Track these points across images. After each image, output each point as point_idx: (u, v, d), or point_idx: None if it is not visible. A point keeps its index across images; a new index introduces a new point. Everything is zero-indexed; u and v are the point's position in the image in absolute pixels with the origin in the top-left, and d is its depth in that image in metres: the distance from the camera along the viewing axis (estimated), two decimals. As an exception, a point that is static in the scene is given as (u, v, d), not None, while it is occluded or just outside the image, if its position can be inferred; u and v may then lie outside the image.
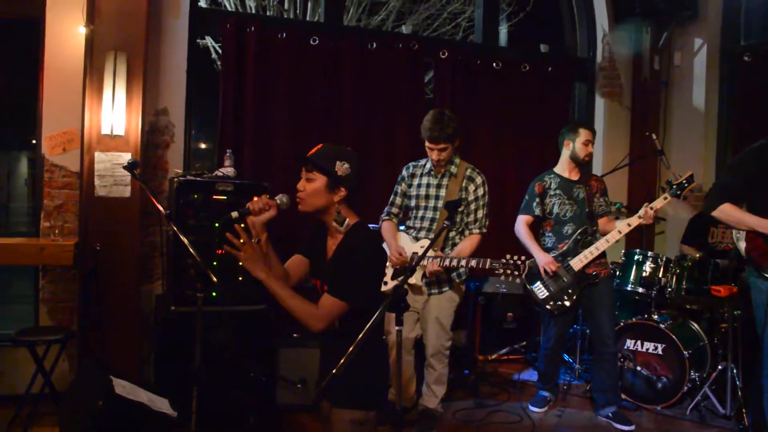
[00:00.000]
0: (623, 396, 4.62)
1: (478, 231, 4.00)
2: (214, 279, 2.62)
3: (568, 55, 6.41)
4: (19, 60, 5.28)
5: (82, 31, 4.54)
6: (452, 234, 4.02)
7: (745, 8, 6.01)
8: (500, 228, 5.33)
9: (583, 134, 4.37)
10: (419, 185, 4.10)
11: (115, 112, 4.58)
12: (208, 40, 6.80)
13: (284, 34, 5.25)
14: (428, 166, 4.09)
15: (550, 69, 6.04)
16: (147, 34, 4.72)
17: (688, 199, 5.92)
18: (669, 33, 6.15)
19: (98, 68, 4.55)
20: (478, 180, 4.04)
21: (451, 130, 3.87)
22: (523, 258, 3.68)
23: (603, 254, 4.34)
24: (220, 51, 5.33)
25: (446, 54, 5.70)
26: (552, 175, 4.48)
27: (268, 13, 7.40)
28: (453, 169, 4.04)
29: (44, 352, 4.16)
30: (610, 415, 4.30)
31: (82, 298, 4.67)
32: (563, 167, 4.48)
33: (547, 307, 4.34)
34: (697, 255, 4.91)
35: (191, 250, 2.81)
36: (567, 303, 4.29)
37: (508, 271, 3.65)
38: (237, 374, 3.89)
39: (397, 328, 2.30)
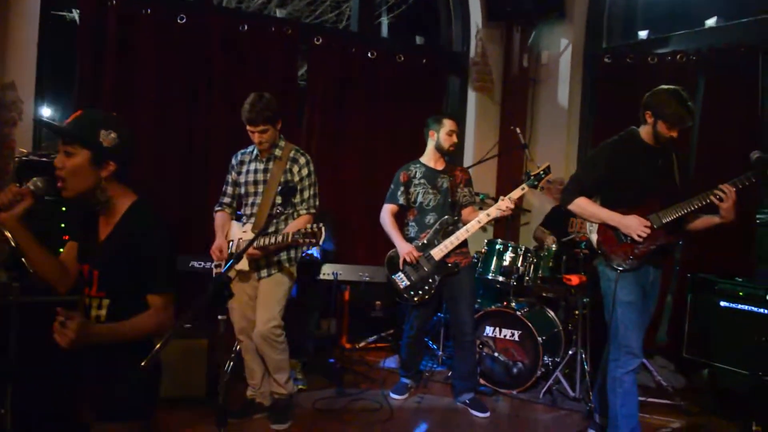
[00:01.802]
0: (482, 381, 4.60)
1: (306, 211, 3.78)
2: (29, 267, 2.27)
3: (444, 49, 6.35)
4: None
5: None
6: (282, 218, 3.77)
7: (608, 11, 6.14)
8: (374, 221, 5.17)
9: (447, 124, 4.28)
10: (248, 171, 3.85)
11: (-49, 84, 4.07)
12: (76, 14, 6.28)
13: (149, 11, 4.86)
14: (255, 152, 3.85)
15: (425, 61, 5.95)
16: (-10, 2, 4.23)
17: (552, 192, 6.01)
18: (537, 32, 6.20)
19: (-70, 35, 4.03)
20: (302, 160, 3.81)
21: (270, 112, 3.66)
22: (320, 224, 3.44)
23: (464, 244, 4.27)
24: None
25: (321, 41, 5.48)
26: (417, 165, 4.37)
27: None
28: (277, 152, 3.81)
29: None
30: (467, 401, 4.25)
31: None
32: (428, 157, 4.37)
33: (407, 296, 4.23)
34: (551, 240, 4.95)
35: (6, 233, 2.43)
36: (427, 292, 4.19)
37: (308, 240, 3.41)
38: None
39: (220, 317, 2.05)
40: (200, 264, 4.59)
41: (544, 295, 5.05)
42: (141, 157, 4.82)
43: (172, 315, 2.06)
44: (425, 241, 4.22)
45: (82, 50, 4.69)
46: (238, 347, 3.98)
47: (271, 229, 3.75)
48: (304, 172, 3.79)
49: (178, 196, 4.99)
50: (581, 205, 3.53)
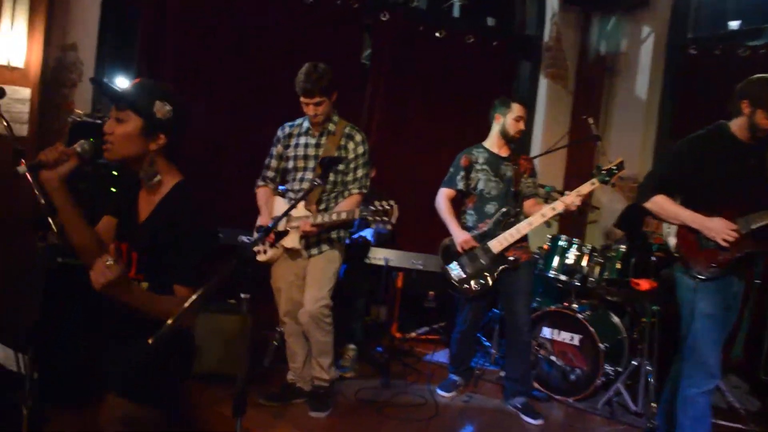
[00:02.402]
0: (536, 385, 4.28)
1: (357, 191, 3.57)
2: (54, 228, 2.11)
3: (516, 32, 5.99)
4: None
5: (-21, -55, 3.94)
6: (332, 195, 3.58)
7: (696, 0, 5.66)
8: (434, 207, 4.92)
9: (515, 109, 3.95)
10: (297, 145, 3.63)
11: (14, 43, 4.02)
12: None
13: (213, -22, 4.70)
14: (305, 125, 3.63)
15: (495, 43, 5.63)
16: (56, -39, 4.15)
17: (623, 189, 5.60)
18: (617, 19, 5.76)
19: (-4, -8, 3.95)
20: (358, 137, 3.60)
21: (326, 82, 3.44)
22: (392, 202, 3.23)
23: (525, 238, 3.95)
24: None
25: (387, 16, 5.22)
26: (480, 150, 4.06)
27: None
28: (331, 126, 3.58)
29: None
30: (518, 406, 3.94)
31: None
32: (492, 142, 4.06)
33: (461, 288, 3.94)
34: (621, 237, 4.58)
35: (37, 192, 2.28)
36: (483, 286, 3.89)
37: (378, 218, 3.24)
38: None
39: (243, 295, 1.84)
40: (249, 239, 4.41)
41: (609, 298, 4.67)
42: (196, 129, 4.70)
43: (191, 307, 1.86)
44: (484, 231, 3.92)
45: (145, 17, 4.58)
46: (282, 328, 3.80)
47: (322, 206, 3.54)
48: (360, 150, 3.58)
49: (231, 168, 4.85)
50: (659, 203, 3.15)
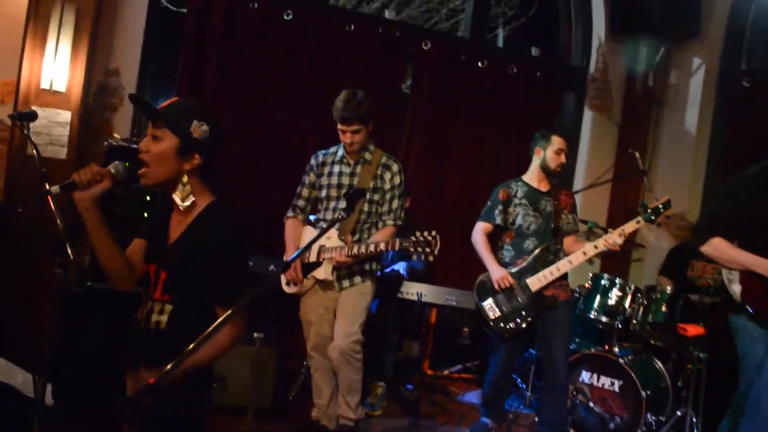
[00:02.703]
0: (573, 432, 4.07)
1: (392, 222, 3.48)
2: (70, 254, 2.06)
3: (561, 62, 5.85)
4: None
5: (28, -27, 4.02)
6: (366, 226, 3.50)
7: (750, 31, 5.44)
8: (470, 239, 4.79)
9: (555, 142, 3.81)
10: (330, 174, 3.55)
11: (58, 67, 4.08)
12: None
13: (256, 5, 4.70)
14: (340, 153, 3.55)
15: (539, 74, 5.49)
16: (100, -13, 4.21)
17: (670, 227, 5.37)
18: (667, 49, 5.57)
19: (44, 17, 4.05)
20: (395, 168, 3.52)
21: (364, 110, 3.38)
22: (434, 233, 3.14)
23: (565, 276, 3.78)
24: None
25: (429, 45, 5.15)
26: (519, 183, 3.92)
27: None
28: (367, 156, 3.51)
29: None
30: (553, 452, 3.74)
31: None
32: (532, 176, 3.92)
33: (496, 327, 3.77)
34: (669, 288, 4.35)
35: (53, 209, 2.24)
36: (520, 326, 3.72)
37: (419, 249, 3.16)
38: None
39: (256, 335, 1.74)
40: (272, 268, 4.34)
41: (652, 343, 4.42)
42: (235, 152, 4.70)
43: (243, 327, 1.84)
44: (522, 268, 3.76)
45: (187, 41, 4.61)
46: (308, 363, 3.71)
47: (356, 237, 3.45)
48: (396, 180, 3.50)
49: (267, 194, 4.81)
50: (718, 247, 2.91)
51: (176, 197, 1.89)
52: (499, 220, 3.88)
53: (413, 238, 3.16)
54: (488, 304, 3.81)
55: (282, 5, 4.79)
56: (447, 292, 4.60)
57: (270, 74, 4.82)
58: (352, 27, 4.95)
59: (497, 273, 3.76)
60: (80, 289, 3.70)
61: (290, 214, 3.64)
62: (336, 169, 3.54)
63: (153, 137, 1.86)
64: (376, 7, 7.27)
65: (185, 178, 1.88)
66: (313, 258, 3.46)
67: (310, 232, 3.59)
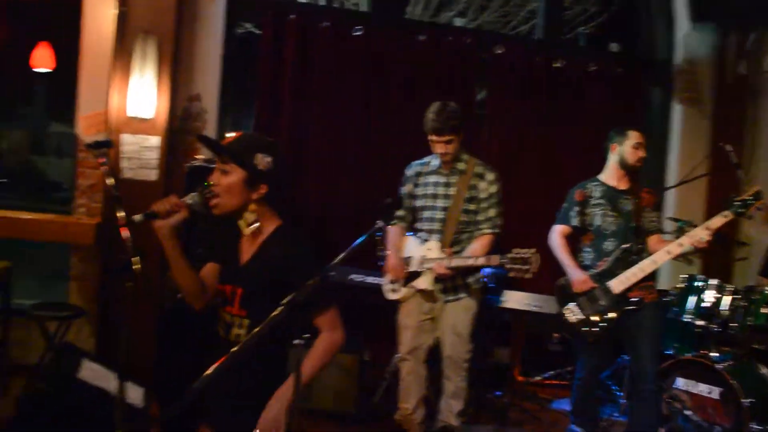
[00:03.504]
0: (670, 441, 3.86)
1: (490, 231, 3.53)
2: (136, 267, 2.24)
3: (642, 57, 5.61)
4: (62, 41, 5.19)
5: (114, 12, 4.34)
6: (464, 236, 3.56)
7: None
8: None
9: (632, 136, 3.67)
10: (426, 184, 3.65)
11: (144, 96, 4.34)
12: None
13: (327, 24, 4.85)
14: (434, 163, 3.63)
15: (620, 70, 5.30)
16: (179, 19, 4.48)
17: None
18: (757, 35, 5.23)
19: (128, 50, 4.33)
20: (490, 176, 3.57)
21: (456, 121, 3.45)
22: (533, 250, 3.20)
23: (650, 277, 3.62)
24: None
25: (502, 50, 5.09)
26: (596, 183, 3.80)
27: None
28: (461, 165, 3.57)
29: (57, 327, 4.01)
30: (644, 462, 3.57)
31: (102, 278, 4.49)
32: (610, 174, 3.79)
33: (581, 332, 3.66)
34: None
35: (122, 231, 2.42)
36: (603, 329, 3.59)
37: (516, 266, 3.22)
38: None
39: (296, 341, 1.80)
40: (360, 277, 4.43)
41: (755, 347, 4.14)
42: (313, 167, 4.87)
43: (342, 327, 2.08)
44: (603, 270, 3.64)
45: (263, 63, 4.82)
46: (397, 367, 3.83)
47: (456, 247, 3.52)
48: (492, 189, 3.55)
49: (345, 206, 4.91)
50: None
51: (241, 224, 2.07)
52: (576, 222, 3.78)
53: (510, 255, 3.21)
54: (569, 308, 3.70)
55: (352, 21, 4.91)
56: (530, 298, 4.52)
57: (344, 90, 4.93)
58: (423, 37, 4.99)
59: (577, 276, 3.67)
60: (172, 304, 3.96)
61: (391, 222, 3.73)
62: (431, 179, 3.63)
63: (222, 171, 2.04)
64: (452, 15, 7.28)
65: (252, 206, 2.06)
66: (414, 268, 3.56)
67: (413, 242, 3.67)
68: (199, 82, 4.71)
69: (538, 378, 5.01)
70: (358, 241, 1.98)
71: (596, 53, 5.45)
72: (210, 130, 4.74)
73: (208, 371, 1.65)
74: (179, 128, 4.68)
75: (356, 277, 4.42)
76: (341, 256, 1.94)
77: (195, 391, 1.62)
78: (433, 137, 3.49)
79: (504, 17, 7.64)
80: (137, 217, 2.00)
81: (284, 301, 1.74)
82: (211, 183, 2.05)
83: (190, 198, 2.04)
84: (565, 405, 4.53)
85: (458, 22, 5.93)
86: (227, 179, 2.03)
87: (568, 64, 5.21)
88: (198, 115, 4.72)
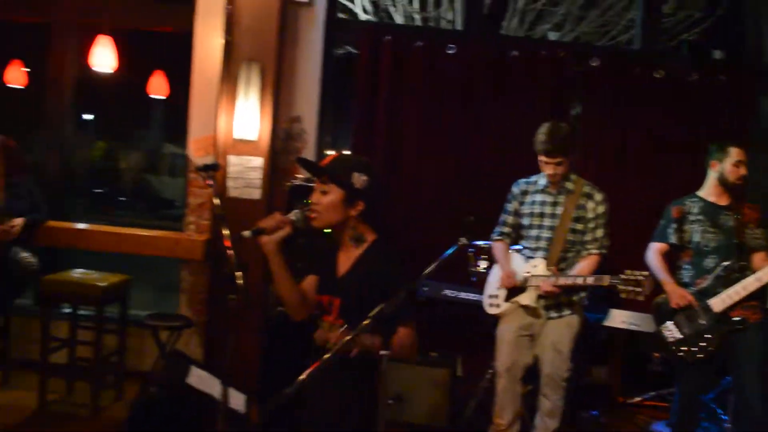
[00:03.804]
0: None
1: (597, 251, 3.56)
2: (240, 282, 2.45)
3: (749, 64, 5.38)
4: (175, 70, 5.63)
5: (221, 42, 4.68)
6: (570, 254, 3.60)
7: None
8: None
9: (733, 154, 3.59)
10: (533, 203, 3.70)
11: (248, 119, 4.65)
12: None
13: (420, 43, 5.00)
14: (541, 182, 3.68)
15: (725, 78, 5.10)
16: (281, 45, 4.76)
17: None
18: None
19: (233, 77, 4.66)
20: (598, 197, 3.59)
21: (567, 143, 3.51)
22: (646, 273, 3.23)
23: (756, 296, 3.50)
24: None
25: (597, 62, 5.04)
26: (695, 199, 3.73)
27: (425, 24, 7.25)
28: (569, 185, 3.61)
29: (168, 336, 4.37)
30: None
31: (209, 291, 4.83)
32: (709, 191, 3.71)
33: (679, 351, 3.59)
34: None
35: (227, 243, 2.66)
36: (703, 350, 3.51)
37: (629, 288, 3.23)
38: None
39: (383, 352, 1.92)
40: (454, 292, 4.52)
41: None
42: (407, 184, 5.01)
43: (416, 341, 2.18)
44: (703, 288, 3.56)
45: (360, 83, 5.03)
46: (489, 382, 3.90)
47: (561, 265, 3.58)
48: (600, 209, 3.59)
49: (437, 221, 5.00)
50: None
51: (348, 238, 2.24)
52: (673, 239, 3.72)
53: (623, 276, 3.24)
54: (667, 326, 3.65)
55: (445, 40, 5.03)
56: (627, 316, 4.45)
57: (438, 108, 5.03)
58: (516, 53, 5.04)
59: (676, 294, 3.60)
60: (273, 315, 4.22)
61: (496, 237, 3.86)
62: (538, 198, 3.70)
63: (321, 192, 2.21)
64: (548, 27, 7.25)
65: (351, 222, 2.21)
66: (518, 283, 3.63)
67: (518, 259, 3.76)
68: (299, 104, 4.99)
69: (637, 399, 4.90)
70: (443, 256, 2.09)
71: (698, 63, 5.26)
72: (309, 150, 5.00)
73: (302, 376, 1.80)
74: (281, 149, 4.97)
75: (450, 292, 4.51)
76: (427, 270, 2.06)
77: (289, 393, 1.75)
78: (543, 158, 3.55)
79: (602, 27, 7.51)
80: (246, 234, 2.18)
81: (372, 313, 1.86)
82: (312, 201, 2.21)
83: (294, 215, 2.22)
84: (662, 428, 4.42)
85: (553, 36, 5.91)
86: (327, 198, 2.19)
87: (668, 74, 5.07)
88: (298, 136, 5.00)
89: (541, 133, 3.53)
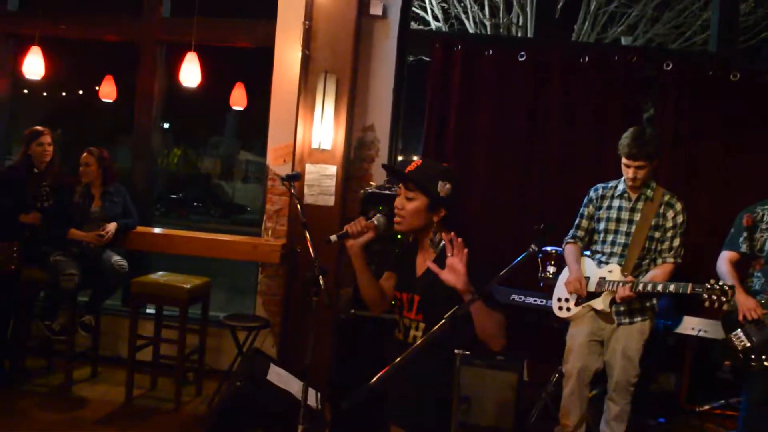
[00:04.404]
0: None
1: (672, 260, 3.67)
2: (322, 284, 2.71)
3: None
4: (255, 82, 6.03)
5: (300, 55, 5.02)
6: (645, 262, 3.73)
7: None
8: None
9: None
10: (609, 207, 3.83)
11: (324, 128, 4.96)
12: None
13: (491, 51, 5.19)
14: (620, 188, 3.81)
15: (805, 79, 5.05)
16: (356, 57, 5.07)
17: None
18: None
19: (311, 89, 4.98)
20: (678, 206, 3.70)
21: (652, 148, 3.62)
22: (730, 283, 3.35)
23: (828, 306, 3.53)
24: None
25: (671, 65, 5.09)
26: (766, 206, 3.78)
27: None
28: (649, 192, 3.73)
29: (246, 336, 4.71)
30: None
31: (285, 293, 5.17)
32: (783, 196, 3.76)
33: (749, 360, 3.65)
34: None
35: (310, 249, 2.93)
36: (772, 359, 3.57)
37: (714, 297, 3.37)
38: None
39: (458, 351, 2.10)
40: (521, 297, 4.68)
41: None
42: (478, 190, 5.19)
43: (504, 324, 2.23)
44: (775, 297, 3.62)
45: (432, 91, 5.25)
46: (555, 386, 4.15)
47: (635, 272, 3.71)
48: (679, 219, 3.71)
49: (508, 229, 5.16)
50: None
51: (428, 241, 2.41)
52: (744, 248, 3.79)
53: (708, 285, 3.39)
54: (737, 334, 3.71)
55: (516, 47, 5.20)
56: (696, 322, 4.50)
57: (508, 115, 5.21)
58: (586, 59, 5.15)
59: (746, 303, 3.67)
60: (346, 316, 4.50)
61: (570, 240, 4.01)
62: (616, 203, 3.83)
63: (407, 198, 2.36)
64: (620, 29, 7.27)
65: (434, 227, 2.39)
66: (592, 288, 3.77)
67: (590, 263, 3.90)
68: (372, 113, 5.29)
69: (705, 407, 4.92)
70: (514, 263, 2.17)
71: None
72: (382, 157, 5.29)
73: (384, 370, 1.93)
74: (354, 157, 5.28)
75: (518, 297, 4.68)
76: (498, 276, 2.16)
77: (371, 386, 1.89)
78: (626, 161, 3.66)
79: (677, 28, 7.45)
80: (333, 238, 2.43)
81: (447, 314, 1.99)
82: (396, 206, 2.40)
83: (377, 219, 2.43)
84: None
85: (625, 41, 5.96)
86: (412, 204, 2.35)
87: (744, 76, 5.07)
88: (371, 144, 5.29)
89: (626, 137, 3.65)
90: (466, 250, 2.15)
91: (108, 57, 6.49)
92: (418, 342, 2.00)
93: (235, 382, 3.33)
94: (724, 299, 3.33)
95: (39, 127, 5.08)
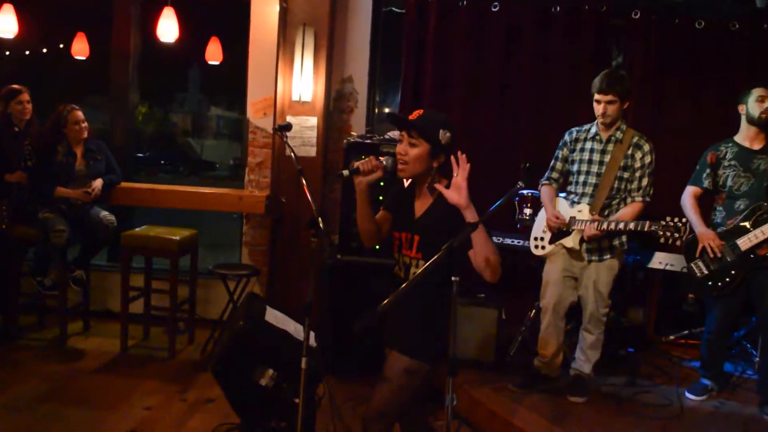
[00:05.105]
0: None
1: (641, 199, 3.92)
2: (321, 226, 2.94)
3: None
4: (233, 36, 6.15)
5: (277, 8, 5.20)
6: (615, 202, 3.98)
7: None
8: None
9: (755, 92, 4.01)
10: (582, 150, 4.08)
11: (303, 81, 5.17)
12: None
13: (465, 2, 5.41)
14: (593, 130, 4.06)
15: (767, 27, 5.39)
16: (333, 9, 5.24)
17: None
18: None
19: (290, 42, 5.17)
20: (646, 147, 3.93)
21: (622, 86, 3.85)
22: (684, 220, 3.60)
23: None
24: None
25: (638, 14, 5.38)
26: (729, 144, 4.13)
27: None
28: (618, 134, 3.97)
29: (235, 285, 4.97)
30: (772, 414, 3.92)
31: (270, 242, 5.45)
32: (743, 135, 4.11)
33: (707, 286, 4.06)
34: None
35: (307, 194, 3.18)
36: (728, 285, 3.97)
37: (668, 233, 3.60)
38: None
39: (454, 278, 2.34)
40: (499, 239, 4.95)
41: None
42: (457, 140, 5.44)
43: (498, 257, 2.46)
44: (731, 228, 4.00)
45: (407, 43, 5.48)
46: (532, 321, 4.52)
47: (605, 212, 3.98)
48: (647, 159, 3.93)
49: (486, 178, 5.41)
50: None
51: (426, 185, 2.64)
52: (707, 184, 4.15)
53: (663, 223, 3.62)
54: (696, 263, 4.11)
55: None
56: (662, 257, 4.87)
57: (482, 65, 5.46)
58: (557, 9, 5.41)
59: (704, 234, 4.05)
60: (331, 262, 4.78)
61: (544, 182, 4.26)
62: (588, 145, 4.07)
63: (410, 144, 2.57)
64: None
65: (432, 173, 2.62)
66: (564, 227, 4.03)
67: (563, 204, 4.17)
68: (351, 65, 5.51)
69: (671, 337, 5.33)
70: (499, 201, 2.42)
71: (740, 10, 5.49)
72: (360, 109, 5.54)
73: (386, 300, 2.19)
74: (334, 109, 5.51)
75: (496, 239, 4.98)
76: (485, 215, 2.41)
77: (377, 312, 2.15)
78: (597, 96, 3.88)
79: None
80: (345, 172, 2.64)
81: (444, 246, 2.24)
82: (399, 152, 2.61)
83: (386, 160, 2.64)
84: (697, 364, 4.88)
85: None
86: (415, 151, 2.56)
87: (708, 24, 5.37)
88: (350, 95, 5.53)
89: (599, 76, 3.89)
90: (468, 165, 2.41)
91: (80, 13, 6.53)
92: (420, 270, 2.27)
93: (237, 322, 3.56)
94: (677, 235, 3.57)
95: (16, 86, 5.18)
